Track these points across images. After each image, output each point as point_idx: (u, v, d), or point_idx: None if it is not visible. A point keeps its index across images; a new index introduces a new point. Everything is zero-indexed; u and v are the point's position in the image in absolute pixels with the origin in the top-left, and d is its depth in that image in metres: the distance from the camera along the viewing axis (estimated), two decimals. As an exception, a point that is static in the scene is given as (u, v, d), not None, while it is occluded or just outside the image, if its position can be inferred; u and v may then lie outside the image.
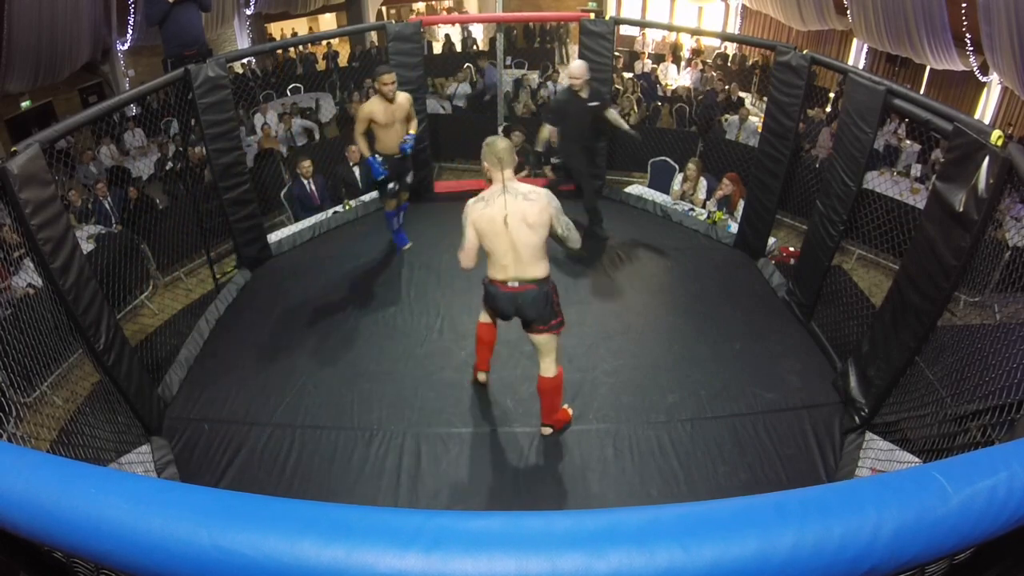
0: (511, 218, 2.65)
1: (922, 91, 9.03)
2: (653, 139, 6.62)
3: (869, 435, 3.19)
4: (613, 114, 4.86)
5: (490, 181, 2.77)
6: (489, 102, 7.61)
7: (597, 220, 5.15)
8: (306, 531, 0.95)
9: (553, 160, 6.23)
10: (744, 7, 13.49)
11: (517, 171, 6.04)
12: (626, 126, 4.95)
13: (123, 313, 4.55)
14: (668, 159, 6.25)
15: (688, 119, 8.27)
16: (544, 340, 2.94)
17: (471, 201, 2.75)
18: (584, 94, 4.63)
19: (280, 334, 4.15)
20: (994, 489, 0.99)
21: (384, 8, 15.28)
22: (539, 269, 2.76)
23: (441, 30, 15.52)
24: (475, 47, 13.50)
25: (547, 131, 4.76)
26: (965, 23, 8.21)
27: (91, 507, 1.00)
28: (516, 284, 2.76)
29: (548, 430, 3.27)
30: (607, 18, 5.42)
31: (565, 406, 3.33)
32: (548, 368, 3.01)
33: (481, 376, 3.54)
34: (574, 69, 4.64)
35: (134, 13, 9.11)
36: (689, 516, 0.97)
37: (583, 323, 4.12)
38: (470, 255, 2.78)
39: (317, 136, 8.12)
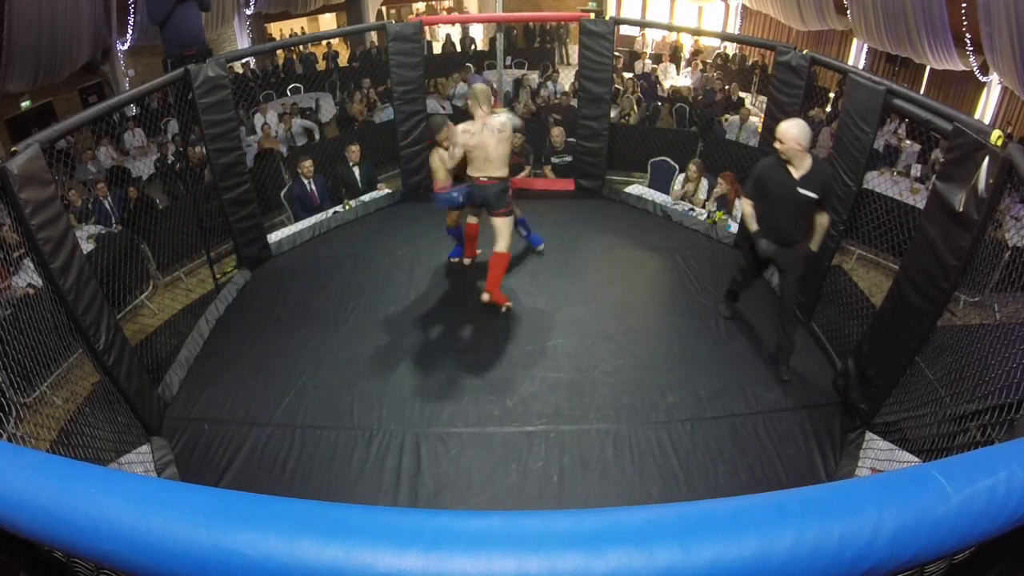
0: (488, 137, 3.74)
1: (922, 91, 9.02)
2: (653, 139, 6.62)
3: (869, 435, 3.19)
4: (823, 222, 3.37)
5: (472, 115, 3.80)
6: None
7: (786, 345, 3.63)
8: (306, 531, 0.95)
9: (554, 159, 6.25)
10: (744, 7, 13.50)
11: (517, 171, 6.06)
12: (816, 243, 3.44)
13: (123, 313, 4.55)
14: (668, 159, 6.26)
15: (688, 119, 8.28)
16: (500, 223, 3.95)
17: (460, 128, 3.78)
18: (797, 171, 3.22)
19: (280, 334, 4.15)
20: (993, 489, 0.98)
21: (384, 8, 15.29)
22: (501, 171, 3.83)
23: (441, 30, 15.53)
24: (474, 47, 13.50)
25: (748, 207, 3.50)
26: (965, 23, 8.21)
27: (91, 507, 1.00)
28: (485, 179, 3.82)
29: (486, 296, 4.04)
30: (607, 18, 5.42)
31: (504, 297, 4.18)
32: (500, 247, 3.98)
33: (467, 261, 4.72)
34: (782, 130, 3.20)
35: (134, 13, 9.12)
36: (689, 516, 0.97)
37: (583, 323, 4.12)
38: (455, 160, 3.87)
39: (317, 136, 8.12)
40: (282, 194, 5.90)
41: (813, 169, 3.23)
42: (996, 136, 2.42)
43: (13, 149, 2.59)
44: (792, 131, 3.18)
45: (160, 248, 5.20)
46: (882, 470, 2.95)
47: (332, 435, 3.33)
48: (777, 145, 3.24)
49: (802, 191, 3.22)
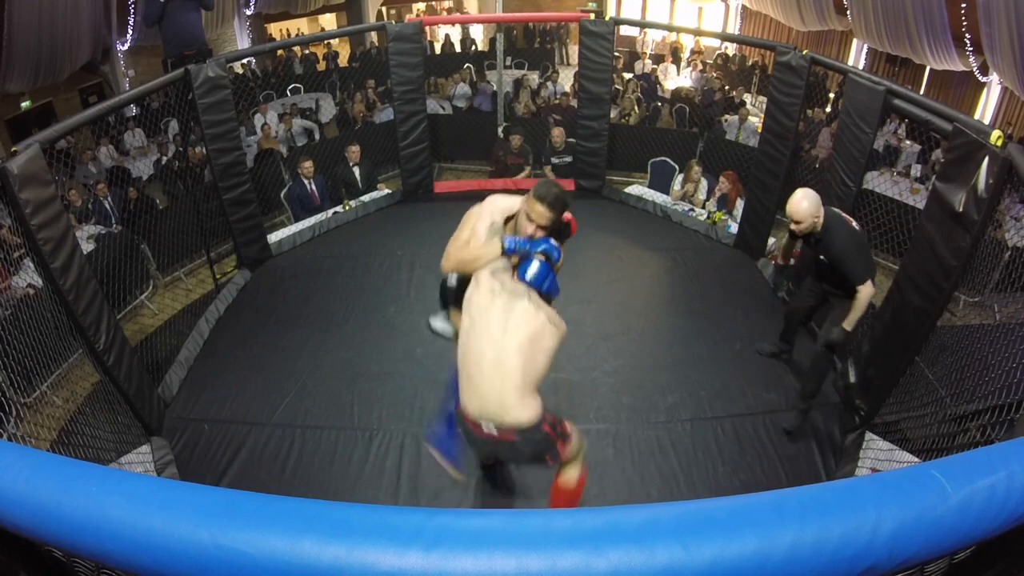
0: (495, 301, 2.17)
1: (922, 91, 9.03)
2: (653, 139, 6.62)
3: (869, 435, 3.20)
4: (861, 296, 2.90)
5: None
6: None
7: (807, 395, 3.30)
8: (307, 530, 0.95)
9: (554, 160, 6.25)
10: (744, 7, 13.49)
11: (516, 172, 6.02)
12: (851, 320, 3.00)
13: (123, 313, 4.54)
14: (668, 159, 6.25)
15: (688, 119, 8.28)
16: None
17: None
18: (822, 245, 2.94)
19: (280, 334, 4.15)
20: (993, 488, 0.98)
21: (384, 8, 15.28)
22: (523, 408, 2.09)
23: (441, 30, 15.53)
24: (474, 47, 13.50)
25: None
26: (965, 23, 8.22)
27: (91, 506, 1.00)
28: (487, 429, 2.14)
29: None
30: (607, 18, 5.42)
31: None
32: (568, 477, 2.40)
33: None
34: (793, 207, 2.89)
35: (134, 13, 9.12)
36: (688, 515, 0.97)
37: (583, 323, 4.12)
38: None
39: (317, 136, 8.12)
40: (282, 194, 5.90)
41: (823, 230, 2.91)
42: (996, 136, 2.42)
43: (13, 149, 2.59)
44: (804, 204, 2.84)
45: (160, 248, 5.20)
46: (882, 470, 2.95)
47: (332, 435, 3.33)
48: (793, 227, 2.91)
49: (821, 257, 3.02)
